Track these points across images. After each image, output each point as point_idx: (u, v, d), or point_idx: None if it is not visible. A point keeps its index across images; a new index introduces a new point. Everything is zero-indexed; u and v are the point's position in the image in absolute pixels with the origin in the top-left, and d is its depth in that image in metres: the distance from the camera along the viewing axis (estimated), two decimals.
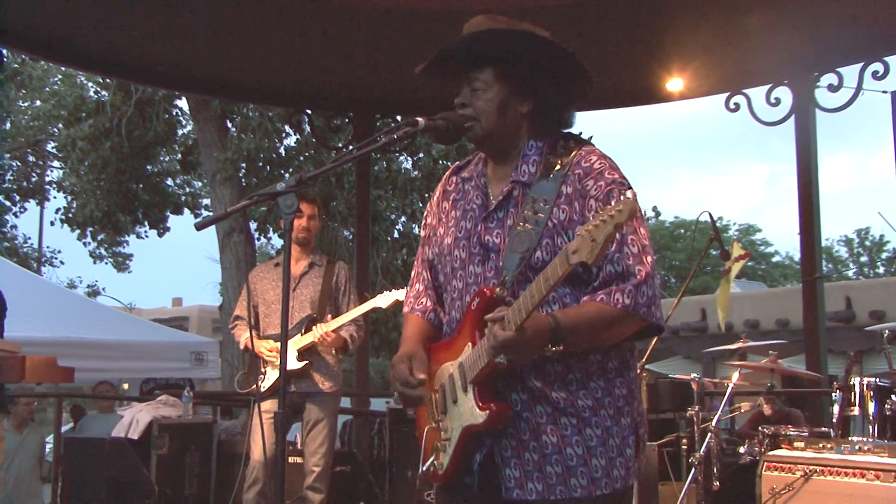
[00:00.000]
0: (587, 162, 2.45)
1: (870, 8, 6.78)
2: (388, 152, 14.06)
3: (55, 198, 23.39)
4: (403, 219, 17.92)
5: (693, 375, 6.31)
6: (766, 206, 73.32)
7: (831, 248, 42.27)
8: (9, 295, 5.45)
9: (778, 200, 73.18)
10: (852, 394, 4.95)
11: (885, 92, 7.52)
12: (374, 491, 7.13)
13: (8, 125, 22.05)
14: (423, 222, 2.80)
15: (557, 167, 2.46)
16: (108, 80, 16.34)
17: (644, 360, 6.27)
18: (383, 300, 5.43)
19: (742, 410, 6.64)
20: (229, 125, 16.17)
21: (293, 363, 5.42)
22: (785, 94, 7.64)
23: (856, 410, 4.92)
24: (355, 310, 5.50)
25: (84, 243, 20.04)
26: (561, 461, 2.40)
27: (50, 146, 22.28)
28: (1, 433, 5.48)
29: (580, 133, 2.60)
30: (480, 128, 2.51)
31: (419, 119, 2.50)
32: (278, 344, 5.50)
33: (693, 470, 5.52)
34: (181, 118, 18.29)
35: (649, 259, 2.39)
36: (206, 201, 19.31)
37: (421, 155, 17.02)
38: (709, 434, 5.55)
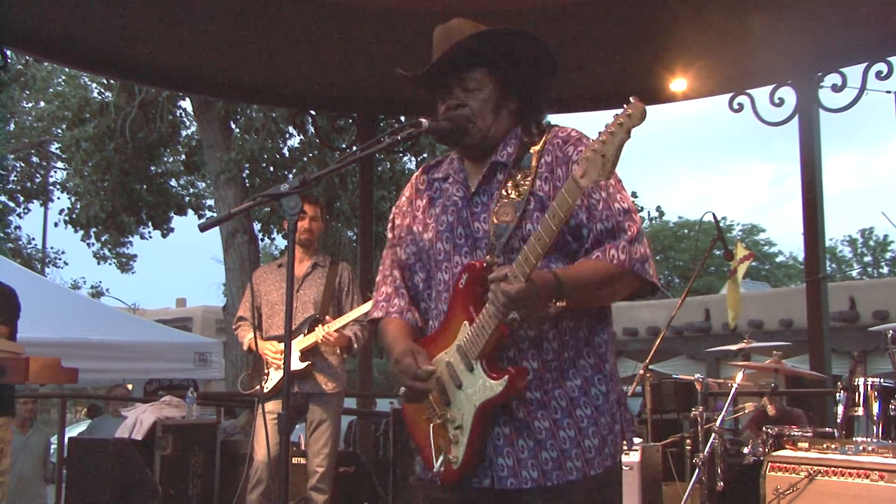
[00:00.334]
0: (563, 132, 2.54)
1: (873, 8, 6.78)
2: (391, 153, 14.08)
3: (59, 198, 23.52)
4: None
5: (697, 376, 6.31)
6: (769, 206, 73.30)
7: (835, 248, 42.25)
8: None
9: (781, 200, 73.14)
10: (856, 394, 4.94)
11: (888, 92, 7.52)
12: (378, 492, 7.14)
13: (12, 126, 22.09)
14: (391, 224, 2.77)
15: (534, 145, 2.51)
16: (111, 81, 16.38)
17: (648, 360, 6.27)
18: None
19: (746, 411, 6.63)
20: (233, 126, 16.19)
21: (296, 364, 5.42)
22: (788, 94, 7.64)
23: (860, 411, 4.91)
24: (358, 309, 5.49)
25: (88, 244, 20.08)
26: (556, 446, 2.41)
27: (54, 147, 22.31)
28: (9, 437, 5.49)
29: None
30: (477, 128, 2.54)
31: (423, 120, 2.51)
32: (282, 345, 5.51)
33: (697, 470, 5.51)
34: (185, 119, 18.33)
35: (637, 217, 2.44)
36: (210, 202, 19.35)
37: (425, 155, 17.01)
38: (713, 434, 5.54)
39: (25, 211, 24.44)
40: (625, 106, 2.20)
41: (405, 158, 16.66)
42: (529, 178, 2.46)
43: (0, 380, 4.77)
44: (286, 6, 6.89)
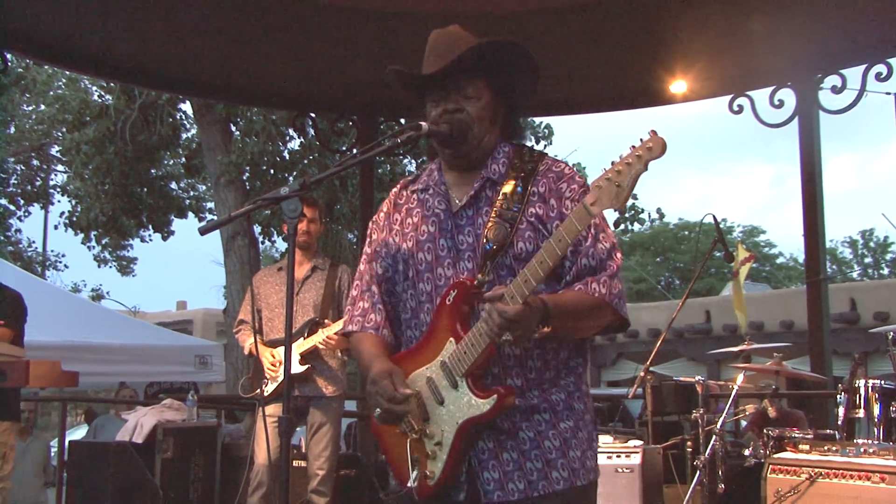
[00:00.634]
0: (557, 167, 2.58)
1: (873, 10, 6.78)
2: (391, 155, 14.08)
3: (59, 201, 23.50)
4: None
5: (697, 378, 6.30)
6: (770, 207, 73.27)
7: (835, 250, 42.27)
8: None
9: (782, 202, 73.14)
10: (857, 396, 4.94)
11: (888, 93, 7.53)
12: (379, 495, 7.14)
13: (12, 129, 22.09)
14: (368, 239, 2.77)
15: (526, 171, 2.55)
16: (112, 84, 16.38)
17: (648, 362, 6.27)
18: None
19: (747, 413, 6.63)
20: (233, 129, 16.20)
21: (296, 367, 5.41)
22: (788, 95, 7.64)
23: (861, 413, 4.91)
24: None
25: (88, 247, 20.10)
26: (540, 455, 2.43)
27: (54, 150, 22.33)
28: (12, 441, 5.49)
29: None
30: (474, 133, 2.56)
31: (423, 123, 2.52)
32: (279, 355, 5.51)
33: (698, 472, 5.51)
34: (185, 122, 18.33)
35: (619, 255, 2.51)
36: (210, 205, 19.35)
37: (424, 158, 17.02)
38: (713, 436, 5.53)
39: (26, 214, 24.49)
40: (642, 139, 2.22)
41: (405, 161, 16.66)
42: (519, 201, 2.49)
43: (0, 383, 4.77)
44: (286, 9, 6.89)
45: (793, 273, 40.15)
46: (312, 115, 9.21)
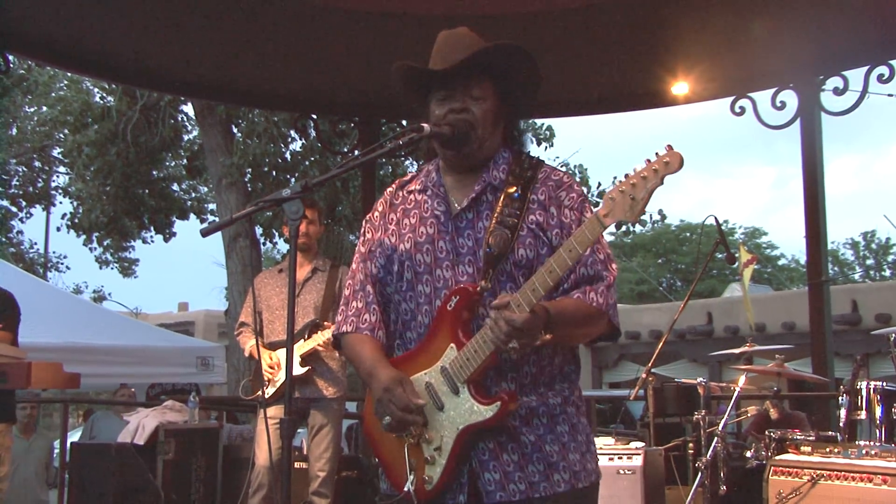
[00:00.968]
0: (556, 175, 2.62)
1: (875, 11, 6.77)
2: (393, 157, 14.08)
3: (61, 203, 23.55)
4: None
5: (699, 379, 6.30)
6: (772, 209, 73.21)
7: (837, 251, 42.23)
8: None
9: (784, 203, 73.06)
10: (859, 397, 4.94)
11: (890, 95, 7.55)
12: (374, 498, 7.13)
13: (14, 131, 22.11)
14: (361, 239, 2.75)
15: (525, 178, 2.57)
16: (113, 86, 16.39)
17: (650, 363, 6.27)
18: None
19: (749, 414, 6.62)
20: (235, 130, 16.20)
21: (296, 369, 5.41)
22: (790, 97, 7.63)
23: (862, 414, 4.91)
24: None
25: (90, 248, 20.13)
26: (542, 458, 2.45)
27: (56, 152, 22.34)
28: (8, 443, 5.49)
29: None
30: (477, 135, 2.56)
31: (424, 125, 2.52)
32: (277, 357, 5.51)
33: (700, 474, 5.51)
34: (187, 123, 18.36)
35: (614, 267, 2.54)
36: (212, 206, 19.35)
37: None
38: (715, 438, 5.53)
39: (28, 215, 24.51)
40: (658, 153, 2.25)
41: (407, 162, 16.66)
42: (519, 207, 2.51)
43: (2, 385, 4.77)
44: (287, 10, 6.89)
45: (794, 275, 40.13)
46: (314, 116, 9.22)
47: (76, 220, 18.63)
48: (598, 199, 17.48)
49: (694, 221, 40.02)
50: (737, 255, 6.82)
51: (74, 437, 10.10)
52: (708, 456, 5.49)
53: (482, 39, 2.60)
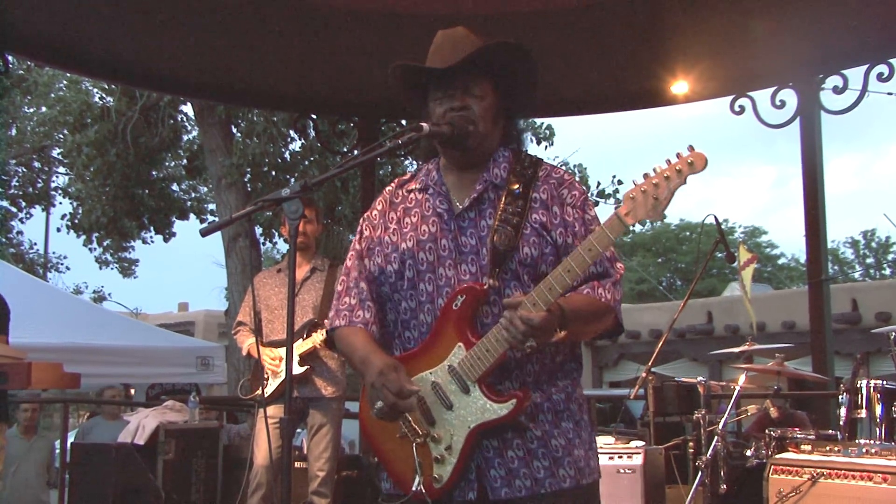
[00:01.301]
0: (557, 173, 2.63)
1: (874, 10, 6.77)
2: (393, 157, 14.07)
3: (61, 203, 23.51)
4: None
5: (699, 378, 6.30)
6: (772, 208, 73.21)
7: (837, 250, 42.24)
8: (14, 301, 5.46)
9: (784, 202, 73.08)
10: (859, 396, 4.94)
11: (890, 94, 7.53)
12: (378, 499, 7.12)
13: (13, 131, 22.09)
14: (358, 236, 2.74)
15: (526, 176, 2.58)
16: (113, 86, 16.38)
17: (650, 362, 6.27)
18: None
19: (749, 413, 6.62)
20: (234, 130, 16.19)
21: (295, 368, 5.41)
22: (790, 96, 7.63)
23: (863, 413, 4.91)
24: None
25: (90, 249, 20.10)
26: (548, 454, 2.46)
27: (55, 152, 22.32)
28: (2, 442, 5.48)
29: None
30: (478, 132, 2.56)
31: (424, 124, 2.52)
32: (279, 352, 5.51)
33: (700, 473, 5.50)
34: (186, 123, 18.34)
35: (619, 265, 2.56)
36: (212, 206, 19.34)
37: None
38: (715, 437, 5.53)
39: (27, 216, 24.49)
40: (679, 154, 2.27)
41: (406, 162, 16.66)
42: (521, 206, 2.52)
43: (2, 385, 4.76)
44: (287, 10, 6.89)
45: (794, 274, 40.14)
46: (313, 116, 9.22)
47: (76, 221, 18.62)
48: (597, 199, 17.50)
49: (694, 220, 40.04)
50: (736, 254, 6.81)
51: (74, 437, 10.10)
52: (708, 455, 5.49)
53: (480, 38, 2.60)
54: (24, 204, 23.96)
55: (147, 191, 18.44)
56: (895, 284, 25.60)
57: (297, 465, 6.15)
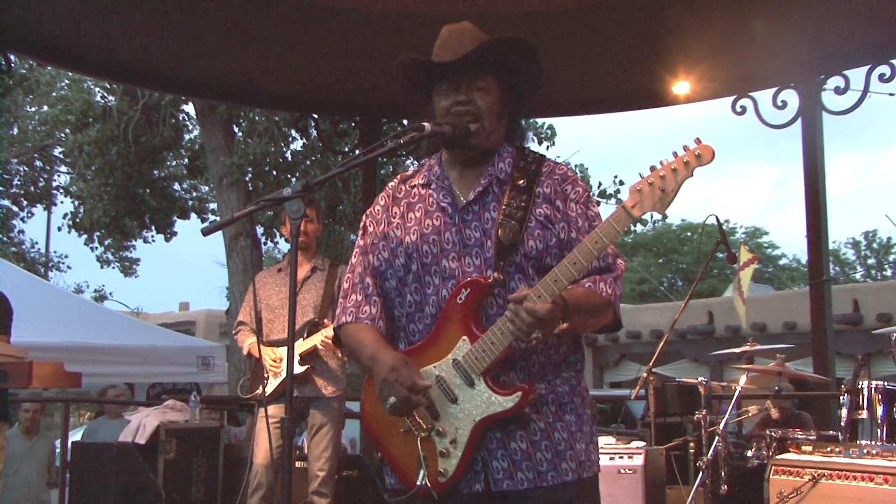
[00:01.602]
0: (560, 170, 2.64)
1: (876, 11, 6.77)
2: (394, 156, 14.06)
3: (62, 203, 23.55)
4: None
5: (700, 379, 6.30)
6: (773, 208, 73.15)
7: (839, 251, 42.21)
8: (15, 300, 5.46)
9: (785, 203, 73.02)
10: (860, 397, 4.94)
11: (891, 94, 7.53)
12: (382, 496, 7.12)
13: (15, 130, 22.12)
14: (362, 231, 2.74)
15: (530, 171, 2.59)
16: (114, 86, 16.39)
17: (651, 363, 6.27)
18: None
19: (750, 414, 6.62)
20: (236, 130, 16.20)
21: (295, 368, 5.41)
22: (791, 96, 7.63)
23: (864, 414, 4.91)
24: None
25: (91, 248, 20.10)
26: (551, 447, 2.47)
27: (57, 151, 22.33)
28: (1, 442, 5.48)
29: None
30: (483, 127, 2.57)
31: (425, 124, 2.53)
32: (280, 353, 5.51)
33: (701, 474, 5.51)
34: (188, 123, 18.34)
35: (620, 262, 2.58)
36: (213, 206, 19.34)
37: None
38: (716, 438, 5.53)
39: (29, 215, 24.51)
40: (686, 146, 2.28)
41: (408, 162, 16.66)
42: (526, 200, 2.53)
43: (2, 384, 4.76)
44: (288, 10, 6.89)
45: (796, 274, 40.11)
46: (315, 116, 9.22)
47: (77, 220, 18.62)
48: (598, 199, 17.49)
49: (695, 221, 39.98)
50: (737, 254, 6.81)
51: (75, 436, 10.10)
52: (709, 455, 5.50)
53: (485, 34, 2.61)
54: (25, 203, 23.99)
55: (148, 190, 18.45)
56: None
57: (297, 464, 6.14)
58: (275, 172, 16.20)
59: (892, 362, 5.33)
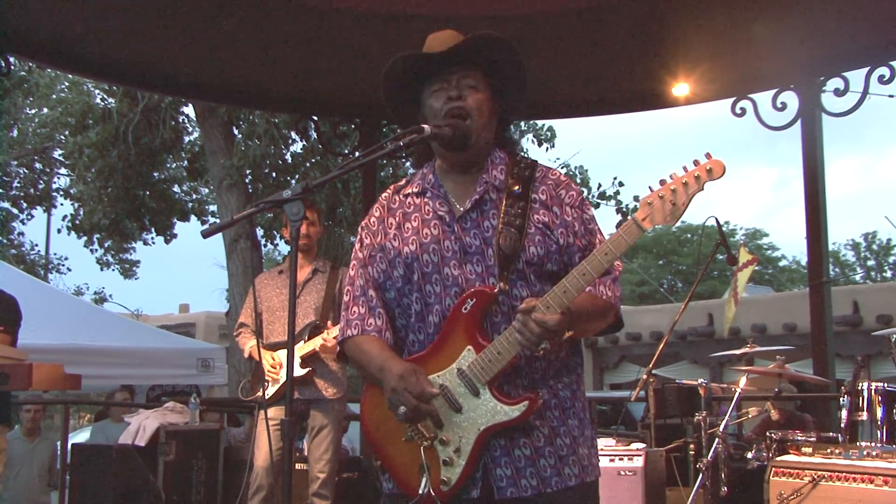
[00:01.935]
0: (553, 175, 2.65)
1: (875, 12, 6.77)
2: (394, 158, 14.07)
3: (62, 205, 23.50)
4: None
5: (700, 380, 6.30)
6: (772, 210, 73.19)
7: (838, 252, 42.25)
8: None
9: (785, 204, 73.05)
10: (860, 398, 4.94)
11: (891, 96, 7.53)
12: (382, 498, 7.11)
13: (15, 132, 22.10)
14: (359, 244, 2.72)
15: (524, 177, 2.59)
16: (114, 88, 16.38)
17: (651, 365, 6.27)
18: None
19: (750, 416, 6.62)
20: (235, 132, 16.19)
21: (297, 370, 5.41)
22: (791, 98, 7.63)
23: (864, 415, 4.91)
24: None
25: (91, 250, 20.11)
26: (553, 452, 2.47)
27: (57, 153, 22.31)
28: (2, 445, 5.49)
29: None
30: (473, 124, 2.57)
31: (425, 126, 2.52)
32: (279, 358, 5.51)
33: (701, 475, 5.51)
34: (188, 125, 18.33)
35: (617, 262, 2.56)
36: (213, 208, 19.34)
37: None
38: (716, 439, 5.53)
39: (28, 217, 24.47)
40: (697, 161, 2.32)
41: (407, 164, 16.65)
42: (523, 207, 2.54)
43: (3, 386, 4.77)
44: (288, 12, 6.89)
45: (795, 276, 40.12)
46: (315, 118, 9.22)
47: (77, 222, 18.63)
48: (597, 201, 17.48)
49: (695, 223, 39.95)
50: (737, 256, 6.81)
51: (75, 438, 10.10)
52: (709, 457, 5.49)
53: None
54: (25, 205, 23.95)
55: (148, 192, 18.44)
56: None
57: (297, 466, 6.14)
58: (275, 174, 16.21)
59: (892, 364, 5.33)
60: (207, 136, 15.65)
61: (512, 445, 2.46)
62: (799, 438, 5.17)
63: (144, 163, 17.63)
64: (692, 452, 6.09)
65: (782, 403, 7.10)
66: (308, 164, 16.61)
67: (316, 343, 5.40)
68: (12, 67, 8.74)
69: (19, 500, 8.46)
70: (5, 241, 24.25)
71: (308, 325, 5.50)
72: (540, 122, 17.23)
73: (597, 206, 17.35)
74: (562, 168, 18.21)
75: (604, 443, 5.98)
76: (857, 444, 4.71)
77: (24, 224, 24.81)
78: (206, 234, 2.59)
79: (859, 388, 4.96)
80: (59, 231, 19.91)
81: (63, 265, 27.17)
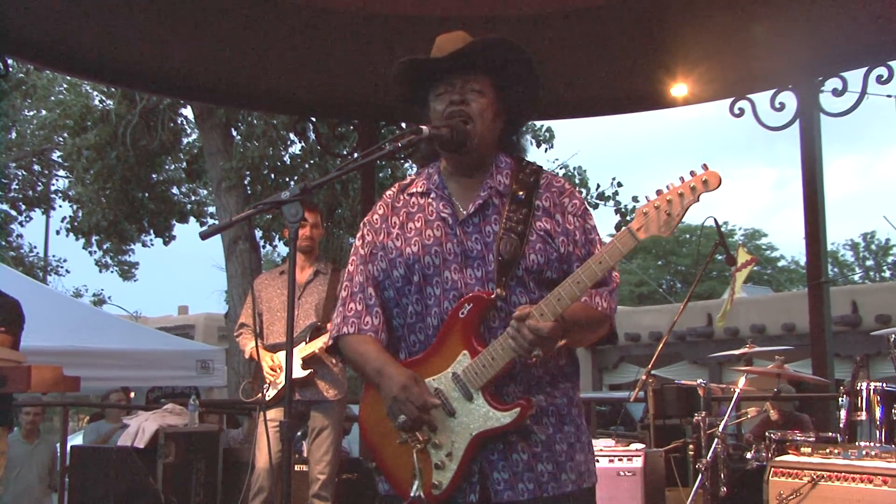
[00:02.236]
0: (557, 182, 2.65)
1: (873, 12, 6.78)
2: (392, 159, 14.08)
3: (61, 207, 23.51)
4: None
5: (699, 381, 6.30)
6: (771, 210, 73.23)
7: (837, 252, 42.24)
8: None
9: (784, 205, 73.10)
10: (859, 398, 4.93)
11: (889, 96, 7.53)
12: (378, 499, 7.11)
13: (13, 134, 22.09)
14: (361, 241, 2.70)
15: (528, 183, 2.59)
16: (113, 89, 16.38)
17: (650, 365, 6.27)
18: None
19: (749, 416, 6.62)
20: (234, 133, 16.19)
21: (298, 372, 5.41)
22: (789, 98, 7.64)
23: (863, 415, 4.90)
24: None
25: (90, 252, 20.09)
26: (551, 458, 2.48)
27: (55, 155, 22.31)
28: (2, 448, 5.48)
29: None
30: (475, 129, 2.56)
31: (423, 127, 2.52)
32: (279, 360, 5.51)
33: (700, 476, 5.50)
34: (186, 127, 18.33)
35: (615, 274, 2.59)
36: (212, 209, 19.34)
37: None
38: (715, 440, 5.53)
39: (27, 219, 24.46)
40: (693, 172, 2.33)
41: (406, 165, 16.66)
42: (525, 213, 2.54)
43: (2, 388, 4.76)
44: (287, 13, 6.90)
45: (794, 276, 40.14)
46: (313, 119, 9.22)
47: (76, 224, 18.61)
48: (597, 201, 17.48)
49: (693, 223, 39.94)
50: (736, 256, 6.81)
51: (74, 440, 10.09)
52: (708, 457, 5.49)
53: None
54: (23, 207, 23.94)
55: (147, 194, 18.44)
56: (895, 286, 25.59)
57: (297, 468, 6.14)
58: (273, 176, 16.21)
59: (891, 364, 5.32)
60: (206, 137, 15.64)
61: (510, 450, 2.46)
62: (798, 438, 5.17)
63: (143, 164, 17.63)
64: (691, 453, 6.09)
65: (781, 404, 7.08)
66: (307, 166, 16.62)
67: (317, 345, 5.40)
68: (10, 69, 8.73)
69: (20, 502, 8.45)
70: (4, 243, 24.25)
71: (309, 327, 5.50)
72: (538, 123, 17.23)
73: (595, 206, 17.34)
74: (560, 169, 18.22)
75: (603, 443, 5.98)
76: (856, 444, 4.71)
77: (22, 226, 24.85)
78: (204, 236, 2.58)
79: (858, 388, 4.95)
80: (57, 233, 19.93)
81: (62, 267, 27.16)
